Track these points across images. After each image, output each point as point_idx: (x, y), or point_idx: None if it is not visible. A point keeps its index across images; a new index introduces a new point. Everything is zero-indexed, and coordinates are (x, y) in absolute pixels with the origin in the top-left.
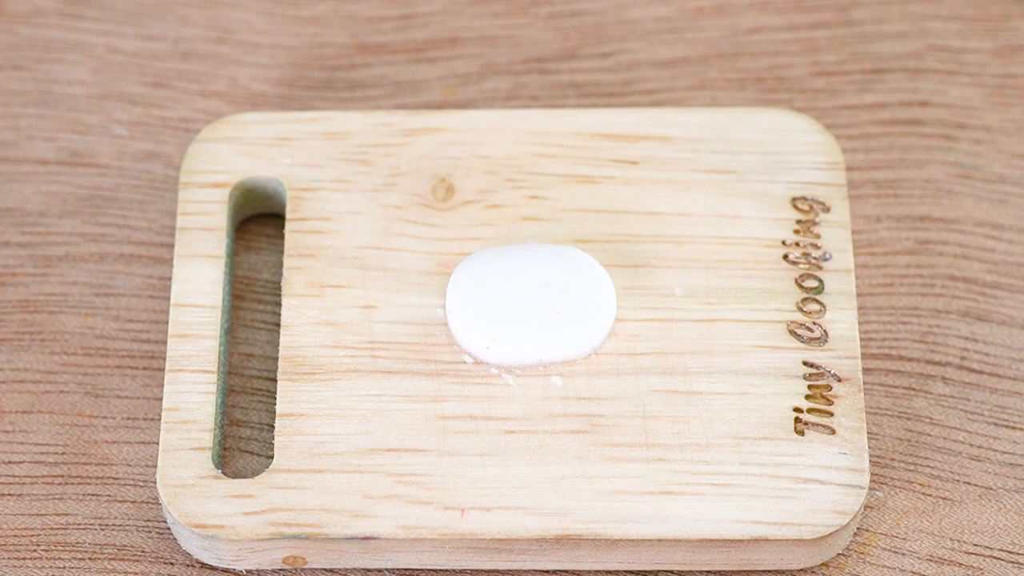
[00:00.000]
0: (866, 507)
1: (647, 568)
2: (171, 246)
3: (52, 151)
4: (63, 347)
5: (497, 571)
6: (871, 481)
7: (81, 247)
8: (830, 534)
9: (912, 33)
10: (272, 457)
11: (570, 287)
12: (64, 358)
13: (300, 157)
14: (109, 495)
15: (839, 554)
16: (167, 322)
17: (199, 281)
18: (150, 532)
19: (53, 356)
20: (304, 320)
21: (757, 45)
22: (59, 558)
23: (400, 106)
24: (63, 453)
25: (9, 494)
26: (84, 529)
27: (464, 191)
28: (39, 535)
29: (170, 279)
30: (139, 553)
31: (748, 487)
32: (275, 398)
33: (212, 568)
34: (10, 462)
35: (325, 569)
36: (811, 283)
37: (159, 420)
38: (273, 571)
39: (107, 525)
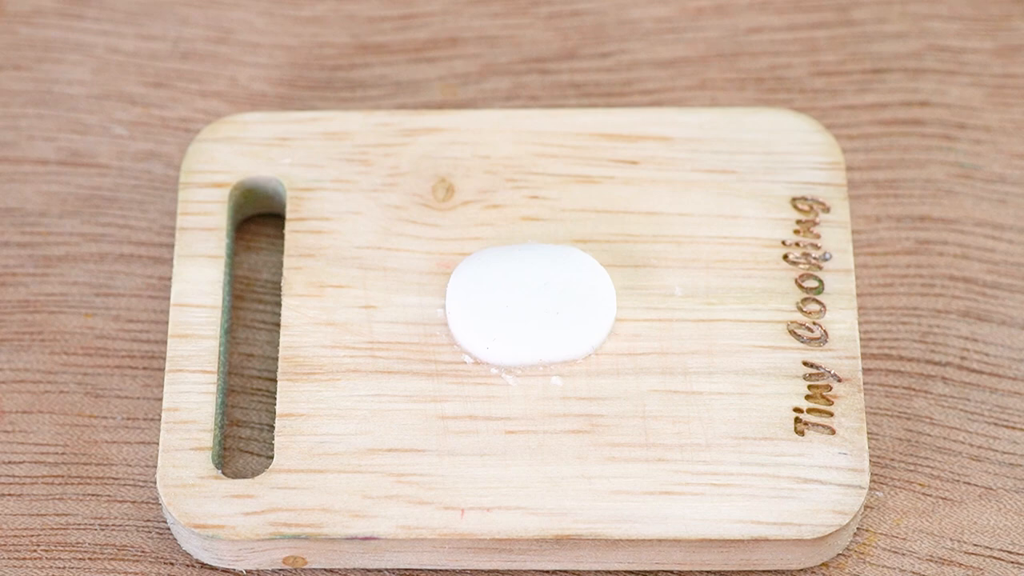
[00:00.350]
0: (866, 507)
1: (647, 568)
2: (171, 246)
3: (52, 151)
4: (63, 347)
5: (497, 571)
6: (871, 481)
7: (81, 247)
8: (830, 534)
9: (912, 33)
10: (272, 457)
11: (570, 287)
12: (64, 358)
13: (300, 157)
14: (109, 495)
15: (839, 554)
16: (167, 322)
17: (199, 281)
18: (150, 532)
19: (53, 356)
20: (304, 320)
21: (757, 45)
22: (59, 558)
23: (400, 106)
24: (63, 453)
25: (9, 494)
26: (84, 529)
27: (464, 191)
28: (39, 535)
29: (170, 279)
30: (139, 553)
31: (748, 487)
32: (275, 398)
33: (212, 568)
34: (10, 462)
35: (325, 569)
36: (811, 283)
37: (159, 420)
38: (273, 571)
39: (107, 525)
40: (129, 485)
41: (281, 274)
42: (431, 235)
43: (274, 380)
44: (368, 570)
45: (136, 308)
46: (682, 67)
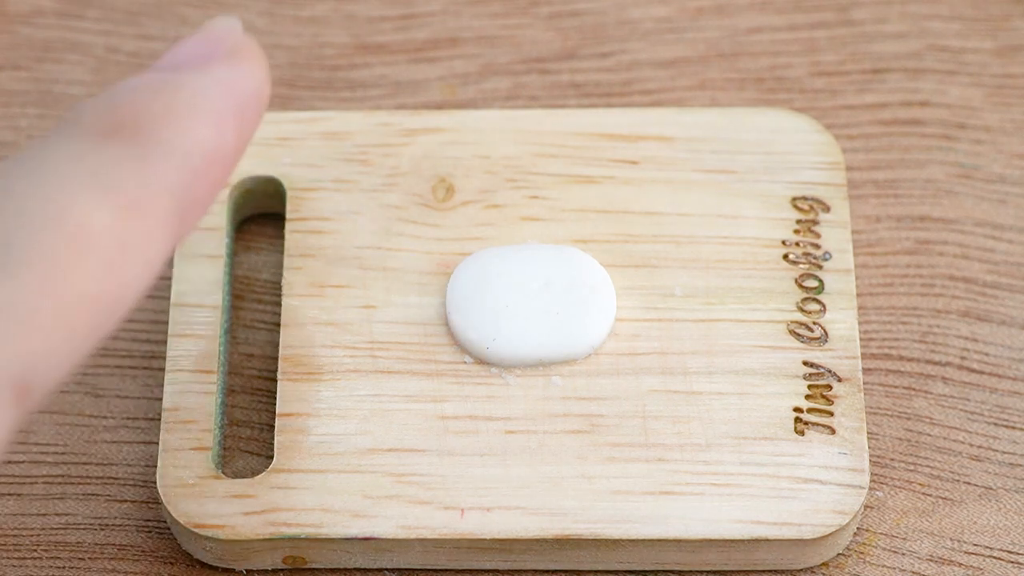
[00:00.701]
0: (866, 507)
1: (647, 568)
2: None
3: None
4: None
5: (497, 571)
6: (871, 481)
7: None
8: (830, 534)
9: (912, 33)
10: (272, 457)
11: (570, 287)
12: None
13: (300, 157)
14: (109, 495)
15: (839, 554)
16: (167, 322)
17: (199, 281)
18: (150, 532)
19: None
20: (304, 320)
21: (757, 45)
22: (59, 558)
23: (400, 106)
24: (63, 453)
25: (9, 494)
26: (84, 529)
27: (464, 191)
28: (39, 535)
29: (170, 279)
30: (139, 553)
31: (748, 487)
32: (275, 398)
33: (212, 568)
34: (10, 462)
35: (325, 569)
36: (811, 283)
37: (159, 420)
38: (273, 571)
39: (107, 525)
40: (129, 485)
41: (281, 274)
42: (431, 235)
43: (274, 380)
44: (368, 570)
45: (136, 308)
46: (682, 67)
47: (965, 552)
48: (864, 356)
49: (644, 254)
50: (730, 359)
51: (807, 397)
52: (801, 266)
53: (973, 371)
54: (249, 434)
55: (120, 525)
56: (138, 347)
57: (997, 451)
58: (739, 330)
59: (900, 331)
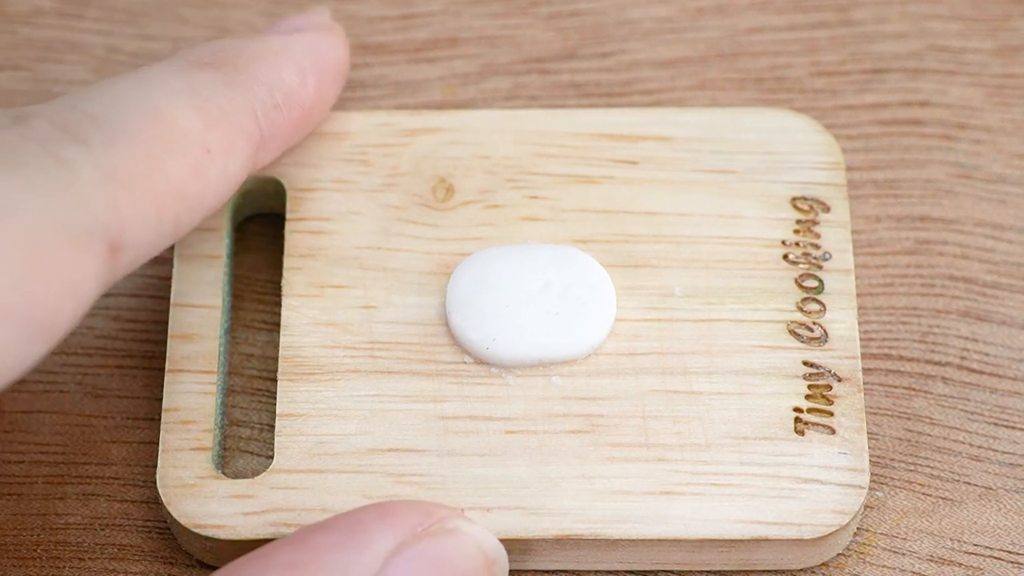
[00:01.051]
0: (866, 507)
1: (647, 568)
2: (171, 246)
3: None
4: (63, 347)
5: None
6: (871, 481)
7: None
8: (830, 534)
9: (912, 33)
10: (272, 457)
11: (570, 287)
12: (64, 358)
13: (300, 157)
14: (109, 495)
15: (839, 554)
16: (167, 322)
17: (199, 281)
18: (150, 532)
19: (53, 356)
20: (304, 320)
21: (757, 45)
22: (59, 558)
23: (400, 106)
24: (63, 453)
25: (9, 494)
26: (84, 529)
27: (464, 191)
28: (39, 535)
29: (170, 279)
30: (139, 553)
31: (748, 487)
32: (275, 398)
33: (212, 568)
34: (10, 462)
35: None
36: (811, 283)
37: (159, 420)
38: None
39: (107, 525)
40: (129, 485)
41: (281, 274)
42: (431, 235)
43: (274, 380)
44: None
45: (136, 308)
46: (682, 67)
47: (965, 552)
48: (864, 356)
49: (644, 254)
50: (730, 359)
51: (807, 397)
52: (801, 266)
53: (973, 371)
54: (249, 434)
55: (120, 525)
56: (138, 347)
57: (997, 451)
58: (739, 330)
59: (900, 331)
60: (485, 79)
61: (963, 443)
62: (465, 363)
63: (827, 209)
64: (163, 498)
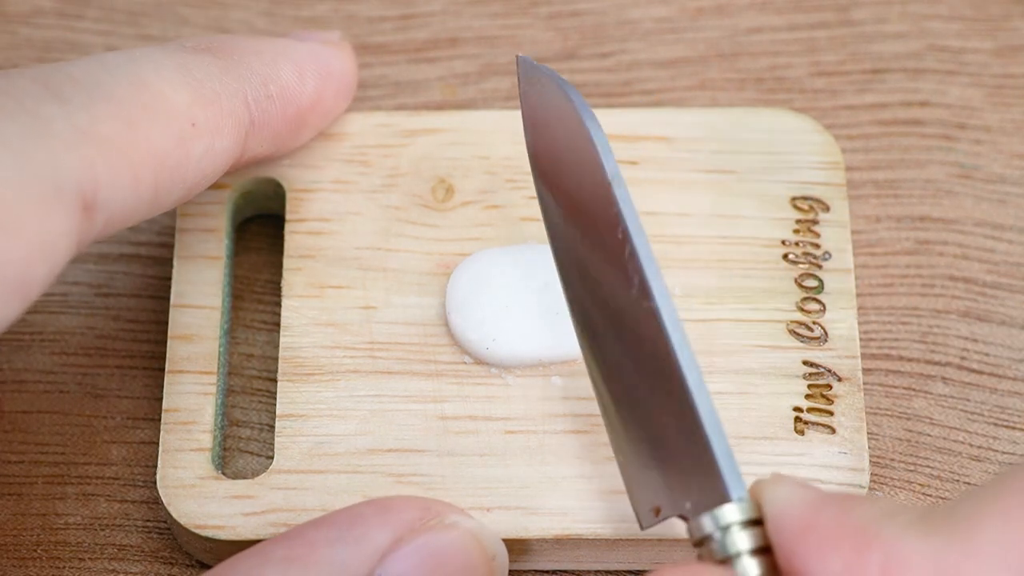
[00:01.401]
0: None
1: (647, 568)
2: (171, 246)
3: None
4: (63, 347)
5: None
6: (871, 481)
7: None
8: None
9: (912, 33)
10: (272, 457)
11: None
12: (64, 358)
13: (299, 158)
14: (109, 495)
15: None
16: (167, 322)
17: (199, 282)
18: (150, 532)
19: (53, 356)
20: (304, 321)
21: (757, 45)
22: (59, 558)
23: (400, 106)
24: (63, 453)
25: (9, 494)
26: (84, 529)
27: (464, 191)
28: (39, 535)
29: (170, 279)
30: (139, 553)
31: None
32: (275, 398)
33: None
34: (10, 462)
35: None
36: (811, 283)
37: (159, 420)
38: None
39: (107, 525)
40: (129, 485)
41: (281, 274)
42: (431, 235)
43: (274, 380)
44: None
45: (136, 308)
46: (682, 67)
47: None
48: (864, 356)
49: None
50: (730, 359)
51: (807, 397)
52: (801, 266)
53: (973, 371)
54: (249, 434)
55: (120, 525)
56: (138, 347)
57: (997, 451)
58: (739, 330)
59: (900, 331)
60: (485, 79)
61: (963, 443)
62: (465, 363)
63: (827, 209)
64: (163, 498)
